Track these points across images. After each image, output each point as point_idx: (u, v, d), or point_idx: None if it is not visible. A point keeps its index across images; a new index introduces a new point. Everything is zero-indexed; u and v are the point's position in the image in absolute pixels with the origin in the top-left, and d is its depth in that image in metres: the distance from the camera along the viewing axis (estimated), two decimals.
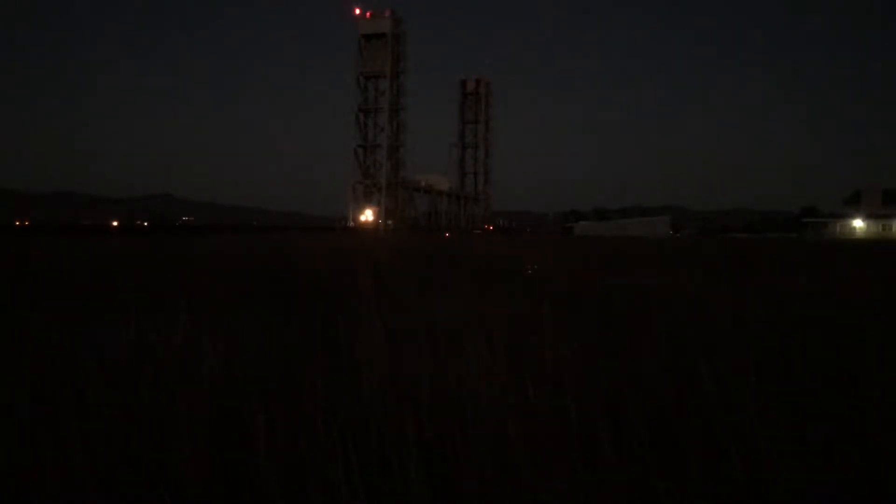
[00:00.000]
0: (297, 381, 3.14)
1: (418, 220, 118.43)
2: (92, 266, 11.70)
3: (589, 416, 2.68)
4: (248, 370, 3.44)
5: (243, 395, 2.90)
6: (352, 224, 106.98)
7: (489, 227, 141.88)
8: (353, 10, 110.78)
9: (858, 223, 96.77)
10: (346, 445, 2.39)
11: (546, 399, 2.88)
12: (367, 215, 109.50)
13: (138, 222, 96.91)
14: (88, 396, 2.93)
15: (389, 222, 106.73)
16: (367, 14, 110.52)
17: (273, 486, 2.34)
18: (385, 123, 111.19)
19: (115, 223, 78.96)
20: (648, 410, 2.83)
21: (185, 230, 60.78)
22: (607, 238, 53.64)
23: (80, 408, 2.83)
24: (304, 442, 2.52)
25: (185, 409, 2.83)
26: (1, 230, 42.67)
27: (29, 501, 2.38)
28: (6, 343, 4.11)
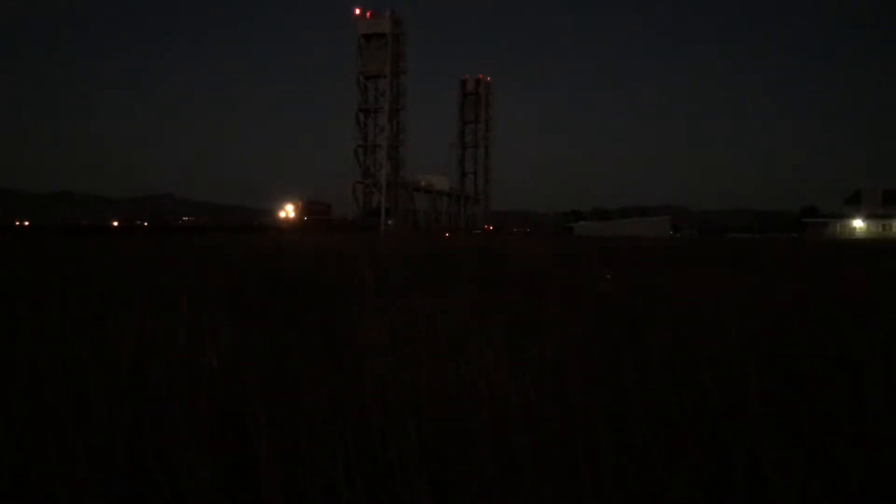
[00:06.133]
0: (298, 381, 3.14)
1: (418, 220, 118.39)
2: (92, 266, 11.70)
3: (591, 415, 2.68)
4: (250, 369, 3.44)
5: (245, 394, 2.90)
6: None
7: (489, 227, 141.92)
8: (353, 10, 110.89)
9: (858, 223, 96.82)
10: (347, 445, 2.39)
11: (548, 399, 2.88)
12: (288, 211, 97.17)
13: (138, 222, 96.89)
14: (90, 396, 2.93)
15: (389, 222, 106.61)
16: (367, 14, 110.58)
17: (274, 485, 2.34)
18: (385, 123, 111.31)
19: (115, 223, 79.00)
20: (650, 409, 2.83)
21: (184, 230, 60.89)
22: (614, 238, 53.18)
23: (80, 407, 2.83)
24: (306, 441, 2.52)
25: (187, 408, 2.83)
26: (1, 230, 42.67)
27: (30, 502, 2.38)
28: (7, 342, 4.11)
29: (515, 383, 2.98)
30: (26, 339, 4.05)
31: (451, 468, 2.47)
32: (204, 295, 6.36)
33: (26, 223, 76.34)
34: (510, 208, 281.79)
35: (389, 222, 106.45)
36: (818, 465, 2.45)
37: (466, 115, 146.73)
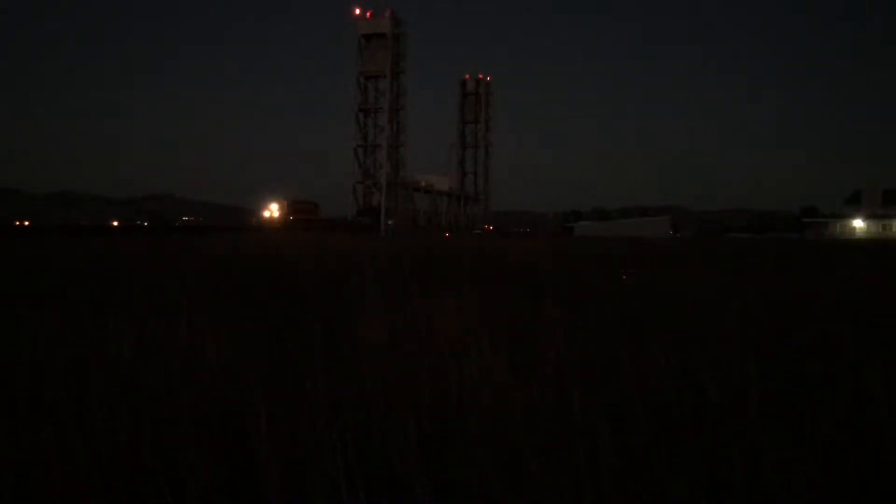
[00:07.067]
0: (298, 380, 3.14)
1: (418, 220, 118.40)
2: (92, 266, 11.70)
3: (591, 415, 2.68)
4: (250, 369, 3.44)
5: (245, 394, 2.90)
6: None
7: (489, 227, 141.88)
8: (353, 10, 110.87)
9: (858, 223, 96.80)
10: (347, 445, 2.39)
11: (549, 399, 2.88)
12: (273, 210, 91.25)
13: (138, 222, 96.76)
14: (90, 396, 2.93)
15: (389, 222, 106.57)
16: (367, 14, 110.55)
17: (274, 485, 2.34)
18: (385, 123, 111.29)
19: (115, 223, 79.04)
20: (650, 409, 2.83)
21: (184, 230, 60.94)
22: (614, 238, 52.90)
23: (81, 407, 2.83)
24: (306, 441, 2.52)
25: (187, 408, 2.84)
26: (1, 230, 42.69)
27: (30, 502, 2.38)
28: (7, 342, 4.10)
29: (515, 383, 2.98)
30: (26, 339, 4.05)
31: (452, 468, 2.47)
32: (204, 295, 6.36)
33: (26, 223, 76.35)
34: (510, 208, 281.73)
35: (389, 222, 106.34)
36: (818, 465, 2.45)
37: (466, 115, 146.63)
